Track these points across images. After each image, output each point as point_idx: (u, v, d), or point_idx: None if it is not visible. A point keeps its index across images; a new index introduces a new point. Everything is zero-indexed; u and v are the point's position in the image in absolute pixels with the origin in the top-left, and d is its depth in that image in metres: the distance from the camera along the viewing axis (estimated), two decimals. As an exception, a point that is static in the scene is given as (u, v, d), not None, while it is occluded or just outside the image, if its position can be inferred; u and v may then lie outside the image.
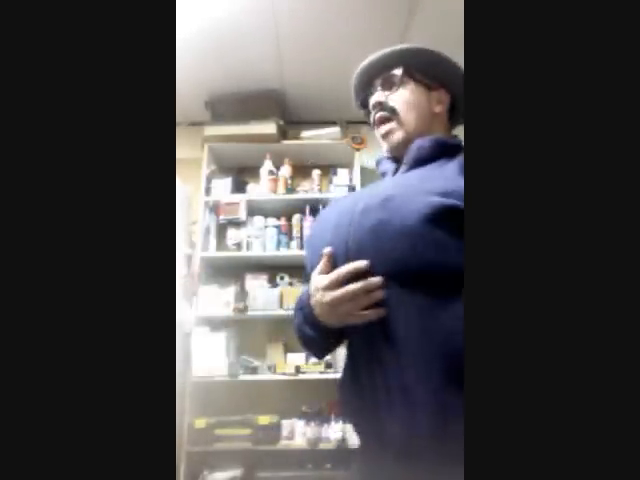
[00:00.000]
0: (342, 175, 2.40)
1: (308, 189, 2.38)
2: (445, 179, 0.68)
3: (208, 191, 2.34)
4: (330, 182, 2.43)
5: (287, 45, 2.05)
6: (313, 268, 0.73)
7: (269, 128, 2.34)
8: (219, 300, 2.18)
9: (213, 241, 2.32)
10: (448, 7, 1.81)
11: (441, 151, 0.77)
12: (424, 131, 0.81)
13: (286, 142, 2.41)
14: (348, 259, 0.67)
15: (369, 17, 1.89)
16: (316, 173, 2.40)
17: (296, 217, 2.33)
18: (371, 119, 0.85)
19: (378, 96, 0.84)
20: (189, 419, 2.00)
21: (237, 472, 2.00)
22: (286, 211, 2.36)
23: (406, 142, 0.80)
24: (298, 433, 2.03)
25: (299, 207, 2.34)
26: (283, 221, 2.34)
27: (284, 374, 2.06)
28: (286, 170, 2.39)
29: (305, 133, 2.43)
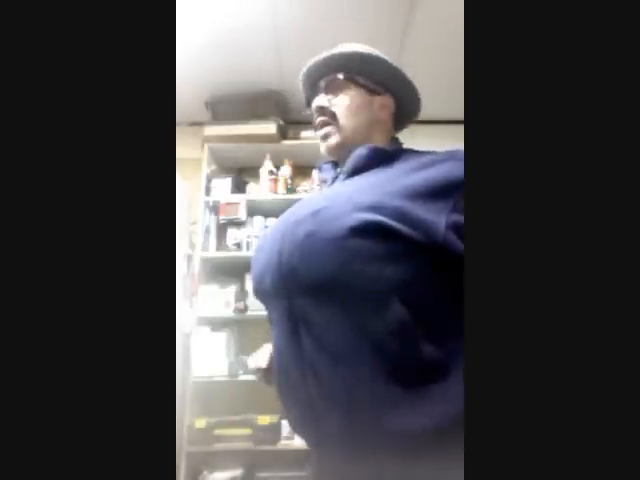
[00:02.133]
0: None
1: (308, 189, 2.38)
2: (377, 191, 0.68)
3: (208, 191, 2.34)
4: (330, 182, 2.42)
5: (287, 45, 2.05)
6: (256, 281, 0.78)
7: (269, 128, 2.34)
8: (219, 300, 2.18)
9: (213, 241, 2.32)
10: (448, 7, 1.81)
11: (378, 159, 0.77)
12: (363, 136, 0.82)
13: (286, 142, 2.40)
14: (281, 270, 0.69)
15: (369, 17, 1.90)
16: (316, 173, 2.40)
17: (296, 217, 2.32)
18: (314, 122, 0.86)
19: (320, 100, 0.84)
20: (189, 419, 2.00)
21: (237, 472, 2.00)
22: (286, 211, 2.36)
23: (342, 146, 0.82)
24: (298, 433, 2.02)
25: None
26: (283, 221, 2.33)
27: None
28: (286, 170, 2.39)
29: (305, 133, 2.43)
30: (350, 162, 0.79)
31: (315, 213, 0.69)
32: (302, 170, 2.46)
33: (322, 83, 0.86)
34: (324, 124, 0.83)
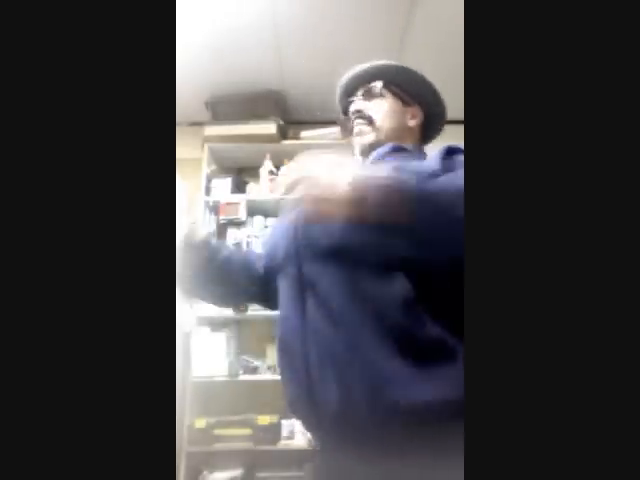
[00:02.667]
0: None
1: (308, 189, 2.38)
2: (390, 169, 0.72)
3: (208, 191, 2.34)
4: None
5: (287, 46, 2.04)
6: (269, 255, 0.83)
7: (269, 128, 2.34)
8: (219, 300, 2.18)
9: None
10: (448, 6, 1.81)
11: (397, 153, 0.83)
12: (395, 140, 0.87)
13: (286, 142, 2.40)
14: (296, 237, 0.74)
15: (369, 18, 1.89)
16: (316, 173, 2.40)
17: (296, 217, 2.33)
18: (350, 125, 0.92)
19: (358, 104, 0.90)
20: (189, 419, 2.00)
21: (237, 472, 2.00)
22: (286, 211, 2.36)
23: (376, 145, 0.87)
24: (298, 433, 2.02)
25: (299, 207, 2.33)
26: (283, 221, 2.33)
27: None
28: (286, 170, 2.38)
29: (305, 133, 2.42)
30: (373, 155, 0.85)
31: None
32: (302, 170, 2.46)
33: (360, 91, 0.92)
34: (360, 125, 0.89)
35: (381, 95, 0.90)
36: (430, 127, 0.96)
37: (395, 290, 0.64)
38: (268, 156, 2.36)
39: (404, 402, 0.60)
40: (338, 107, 1.00)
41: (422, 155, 0.87)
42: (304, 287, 0.71)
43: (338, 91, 0.97)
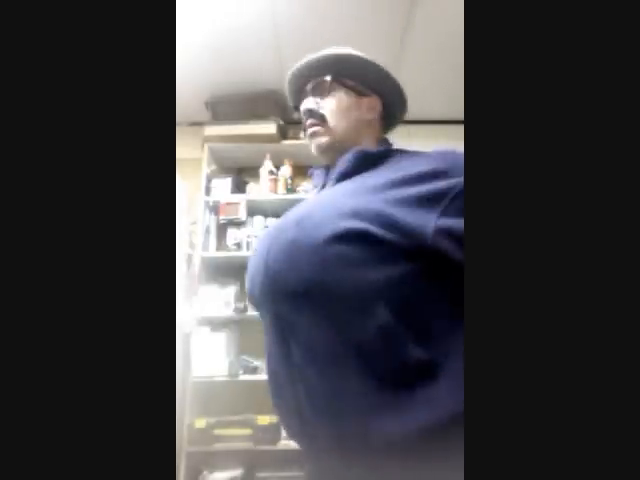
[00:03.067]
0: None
1: (308, 189, 2.38)
2: (361, 197, 0.68)
3: (208, 191, 2.34)
4: (330, 182, 2.42)
5: (287, 45, 2.05)
6: (248, 287, 0.80)
7: (269, 128, 2.34)
8: (219, 300, 2.18)
9: (213, 241, 2.32)
10: (448, 7, 1.81)
11: (365, 163, 0.77)
12: (353, 137, 0.83)
13: (286, 142, 2.40)
14: (267, 276, 0.70)
15: (369, 17, 1.90)
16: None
17: (296, 217, 2.33)
18: (303, 125, 0.87)
19: (308, 103, 0.85)
20: (189, 419, 2.00)
21: (237, 472, 2.00)
22: (286, 211, 2.35)
23: (331, 146, 0.83)
24: (298, 433, 2.02)
25: (299, 207, 2.34)
26: (283, 221, 2.33)
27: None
28: (286, 170, 2.39)
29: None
30: (338, 167, 0.80)
31: (299, 221, 0.70)
32: (302, 170, 2.46)
33: (309, 86, 0.87)
34: (313, 126, 0.84)
35: (332, 90, 0.84)
36: (390, 115, 0.90)
37: (373, 322, 0.62)
38: (268, 156, 2.36)
39: (391, 431, 0.59)
40: (289, 103, 0.94)
41: (388, 154, 0.79)
42: (283, 327, 0.69)
43: (287, 85, 0.91)
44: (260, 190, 2.35)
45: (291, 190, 2.36)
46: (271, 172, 2.35)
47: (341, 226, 0.64)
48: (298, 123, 2.59)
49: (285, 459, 2.03)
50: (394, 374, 0.61)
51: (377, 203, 0.65)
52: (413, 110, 0.96)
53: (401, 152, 0.80)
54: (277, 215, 2.34)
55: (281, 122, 2.39)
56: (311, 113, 0.85)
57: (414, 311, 0.63)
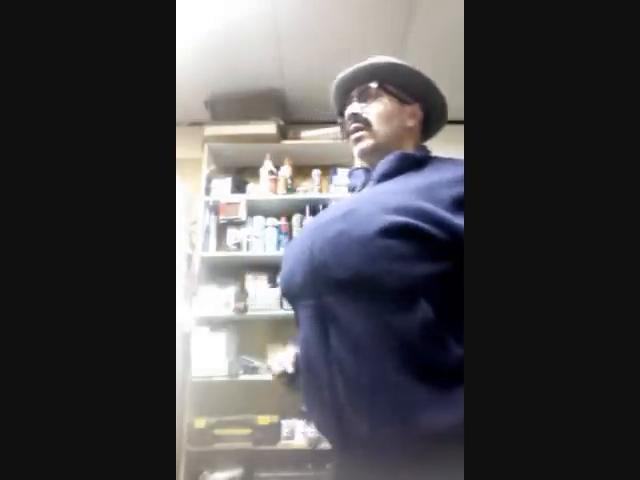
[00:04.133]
0: (342, 175, 2.40)
1: (308, 189, 2.38)
2: (405, 195, 0.71)
3: (208, 191, 2.34)
4: (330, 182, 2.42)
5: (287, 45, 2.05)
6: (286, 281, 0.81)
7: (269, 128, 2.34)
8: (219, 300, 2.18)
9: (213, 241, 2.32)
10: (448, 7, 1.81)
11: (407, 165, 0.81)
12: (394, 142, 0.86)
13: (286, 142, 2.40)
14: (312, 267, 0.72)
15: (369, 17, 1.89)
16: (316, 173, 2.40)
17: (296, 217, 2.33)
18: (347, 128, 0.90)
19: (354, 107, 0.88)
20: (189, 419, 2.00)
21: (237, 472, 2.00)
22: (286, 211, 2.36)
23: (375, 149, 0.86)
24: (298, 433, 2.02)
25: (299, 207, 2.34)
26: (283, 221, 2.34)
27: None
28: (286, 170, 2.38)
29: (305, 133, 2.42)
30: (380, 167, 0.83)
31: (346, 214, 0.72)
32: (302, 170, 2.46)
33: (355, 92, 0.90)
34: (358, 129, 0.87)
35: (377, 96, 0.88)
36: (430, 124, 0.94)
37: (415, 316, 0.63)
38: (268, 156, 2.36)
39: (431, 426, 0.60)
40: (333, 108, 0.97)
41: (427, 159, 0.84)
42: (325, 318, 0.70)
43: (333, 91, 0.95)
44: (260, 190, 2.35)
45: (291, 190, 2.36)
46: (271, 172, 2.35)
47: (387, 220, 0.67)
48: (298, 123, 2.60)
49: (285, 459, 2.03)
50: (433, 370, 0.62)
51: (420, 201, 0.68)
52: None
53: (439, 159, 0.84)
54: (277, 215, 2.35)
55: (281, 122, 2.38)
56: (356, 117, 0.87)
57: (455, 309, 0.64)
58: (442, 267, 0.66)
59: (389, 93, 0.88)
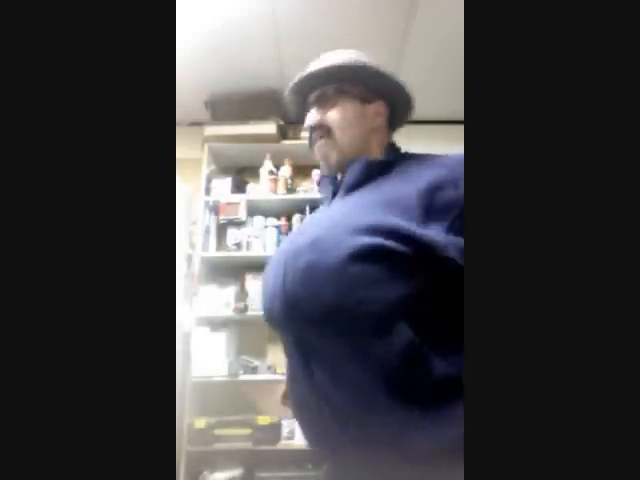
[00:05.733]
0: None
1: (308, 189, 2.38)
2: (373, 210, 0.68)
3: (208, 191, 2.35)
4: (330, 182, 2.42)
5: (287, 45, 2.05)
6: (264, 309, 0.78)
7: (269, 128, 2.35)
8: (219, 300, 2.18)
9: (213, 241, 2.32)
10: (448, 7, 1.81)
11: (375, 172, 0.76)
12: (361, 148, 0.81)
13: (286, 142, 2.40)
14: (286, 301, 0.69)
15: (369, 17, 1.89)
16: (316, 173, 2.40)
17: (296, 217, 2.33)
18: (310, 140, 0.85)
19: (312, 117, 0.83)
20: (189, 419, 2.00)
21: (237, 472, 2.00)
22: (286, 211, 2.36)
23: (341, 162, 0.81)
24: (298, 433, 2.02)
25: (299, 207, 2.34)
26: (283, 221, 2.34)
27: (284, 374, 2.06)
28: (286, 170, 2.39)
29: (305, 133, 2.42)
30: (347, 179, 0.79)
31: (314, 242, 0.68)
32: (302, 170, 2.46)
33: (312, 97, 0.84)
34: (320, 139, 0.82)
35: (336, 100, 0.82)
36: (396, 117, 0.88)
37: (396, 339, 0.61)
38: (268, 156, 2.37)
39: (420, 448, 0.59)
40: (292, 115, 0.90)
41: (397, 160, 0.79)
42: (305, 352, 0.68)
43: (288, 96, 0.88)
44: (260, 190, 2.35)
45: (291, 190, 2.36)
46: (271, 172, 2.35)
47: (357, 243, 0.63)
48: (298, 123, 2.60)
49: (285, 459, 2.03)
50: (418, 390, 0.60)
51: (390, 217, 0.65)
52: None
53: (409, 156, 0.79)
54: (277, 215, 2.35)
55: (281, 122, 2.39)
56: (317, 127, 0.82)
57: (435, 326, 0.63)
58: (418, 285, 0.63)
59: (348, 95, 0.82)
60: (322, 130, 0.82)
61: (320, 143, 0.82)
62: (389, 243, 0.62)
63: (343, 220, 0.69)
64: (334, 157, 0.81)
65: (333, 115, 0.81)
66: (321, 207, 0.88)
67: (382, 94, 0.84)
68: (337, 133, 0.81)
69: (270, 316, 0.77)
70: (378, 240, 0.63)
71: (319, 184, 0.91)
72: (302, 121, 0.87)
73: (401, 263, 0.63)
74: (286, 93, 0.88)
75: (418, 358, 0.61)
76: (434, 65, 2.16)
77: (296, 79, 0.85)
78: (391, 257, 0.62)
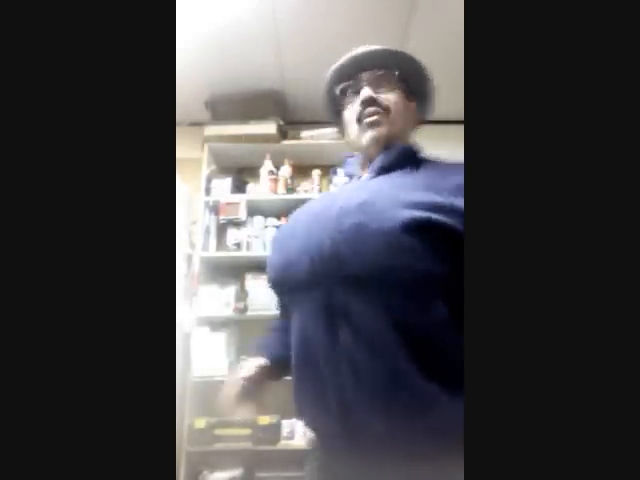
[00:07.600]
0: (342, 175, 2.40)
1: (308, 189, 2.38)
2: (415, 190, 0.70)
3: (208, 191, 2.34)
4: (330, 182, 2.42)
5: (287, 45, 2.05)
6: (282, 269, 0.77)
7: (269, 128, 2.34)
8: (219, 300, 2.18)
9: (213, 241, 2.32)
10: (448, 7, 1.82)
11: (408, 161, 0.79)
12: (404, 135, 0.85)
13: (286, 142, 2.40)
14: (322, 259, 0.69)
15: (369, 17, 1.89)
16: (316, 173, 2.40)
17: (296, 217, 2.33)
18: (356, 112, 0.84)
19: (368, 92, 0.83)
20: (189, 419, 2.00)
21: (237, 472, 2.00)
22: (286, 211, 2.36)
23: (389, 138, 0.82)
24: (298, 433, 2.02)
25: (299, 207, 2.34)
26: (283, 221, 2.33)
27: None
28: (286, 170, 2.39)
29: (305, 133, 2.43)
30: (380, 160, 0.80)
31: (362, 205, 0.69)
32: (302, 170, 2.46)
33: (366, 76, 0.85)
34: (376, 113, 0.82)
35: (392, 85, 0.84)
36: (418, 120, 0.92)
37: (432, 315, 0.62)
38: (268, 156, 2.36)
39: (447, 424, 0.59)
40: (326, 91, 0.91)
41: (424, 157, 0.82)
42: (334, 313, 0.66)
43: (336, 70, 0.88)
44: (260, 190, 2.35)
45: (291, 190, 2.36)
46: (271, 172, 2.35)
47: (409, 215, 0.64)
48: (298, 123, 2.59)
49: (285, 459, 2.02)
50: (447, 368, 0.61)
51: (433, 196, 0.67)
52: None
53: (429, 160, 0.83)
54: (277, 215, 2.35)
55: (281, 122, 2.39)
56: (375, 102, 0.82)
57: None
58: (460, 263, 0.64)
59: (401, 87, 0.85)
60: (380, 106, 0.82)
61: (376, 117, 0.82)
62: (439, 217, 0.64)
63: (390, 193, 0.71)
64: (386, 131, 0.82)
65: (392, 97, 0.83)
66: (349, 183, 0.90)
67: (417, 99, 0.89)
68: (394, 113, 0.83)
69: (287, 275, 0.76)
70: (429, 214, 0.64)
71: (345, 162, 0.95)
72: (342, 92, 0.87)
73: (447, 237, 0.64)
74: (334, 67, 0.89)
75: (447, 339, 0.62)
76: (434, 65, 2.15)
77: (359, 51, 0.86)
78: (441, 232, 0.64)
